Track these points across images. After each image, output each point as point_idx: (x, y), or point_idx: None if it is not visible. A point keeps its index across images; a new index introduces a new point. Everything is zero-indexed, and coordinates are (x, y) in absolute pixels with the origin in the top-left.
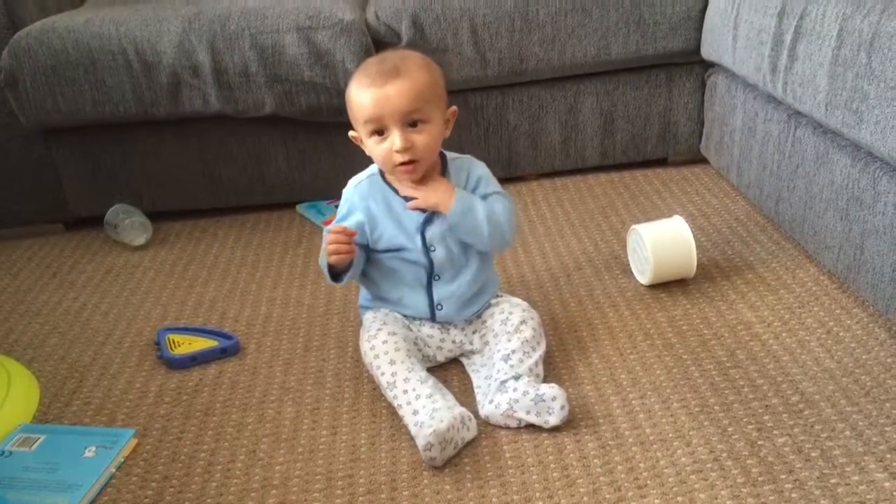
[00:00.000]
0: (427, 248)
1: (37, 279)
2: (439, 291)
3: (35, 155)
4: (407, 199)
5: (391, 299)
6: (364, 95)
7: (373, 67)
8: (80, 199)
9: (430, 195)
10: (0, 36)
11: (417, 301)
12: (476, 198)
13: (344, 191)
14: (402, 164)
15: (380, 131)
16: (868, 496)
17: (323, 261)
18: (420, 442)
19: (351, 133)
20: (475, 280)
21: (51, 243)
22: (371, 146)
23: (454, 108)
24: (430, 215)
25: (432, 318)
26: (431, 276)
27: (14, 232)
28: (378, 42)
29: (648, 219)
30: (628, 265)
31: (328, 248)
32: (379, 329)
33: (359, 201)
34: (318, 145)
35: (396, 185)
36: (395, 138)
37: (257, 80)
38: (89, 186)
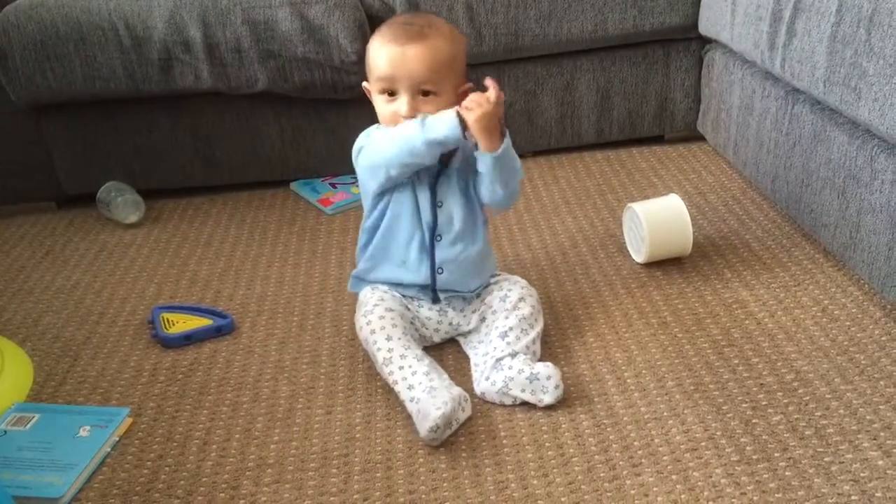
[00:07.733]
0: (434, 204)
1: (29, 257)
2: (441, 253)
3: (26, 132)
4: None
5: (394, 260)
6: (382, 52)
7: (399, 27)
8: (72, 177)
9: (485, 115)
10: None
11: (418, 263)
12: None
13: (365, 135)
14: None
15: (391, 91)
16: (862, 474)
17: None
18: (427, 423)
19: (364, 84)
20: (474, 244)
21: (43, 221)
22: (379, 103)
23: (469, 85)
24: (442, 168)
25: (433, 284)
26: (434, 235)
27: (6, 210)
28: (372, 17)
29: (645, 196)
30: (624, 243)
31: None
32: (376, 304)
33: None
34: (312, 122)
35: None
36: (403, 104)
37: (250, 55)
38: (81, 164)
